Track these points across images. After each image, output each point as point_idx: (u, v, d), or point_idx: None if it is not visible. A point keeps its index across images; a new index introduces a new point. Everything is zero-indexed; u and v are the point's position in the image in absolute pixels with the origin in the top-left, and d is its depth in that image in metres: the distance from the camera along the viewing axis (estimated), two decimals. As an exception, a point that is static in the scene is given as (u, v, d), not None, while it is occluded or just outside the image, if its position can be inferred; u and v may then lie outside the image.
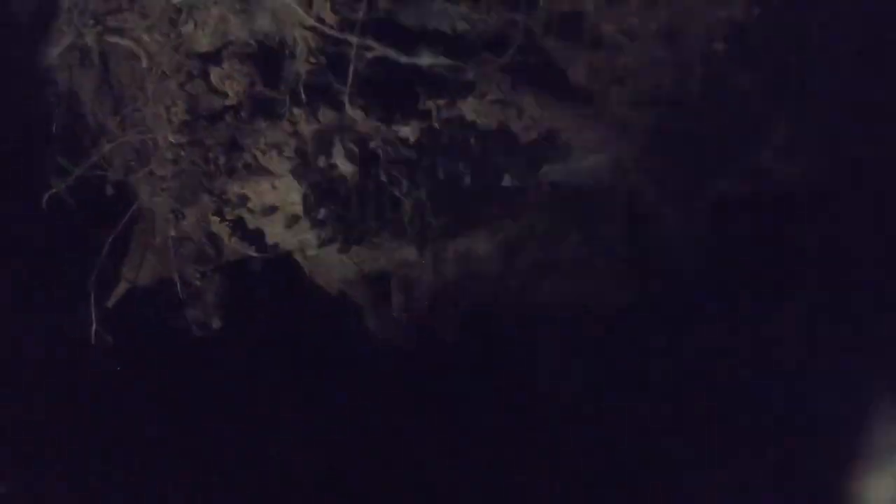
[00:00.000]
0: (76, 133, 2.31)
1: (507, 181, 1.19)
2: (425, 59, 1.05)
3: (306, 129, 1.17)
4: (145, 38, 1.64)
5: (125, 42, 1.57)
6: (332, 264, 1.68)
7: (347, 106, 1.06)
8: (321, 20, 1.04)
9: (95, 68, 2.31)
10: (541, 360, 1.86)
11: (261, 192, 1.40)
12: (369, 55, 1.07)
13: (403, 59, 1.04)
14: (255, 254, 1.60)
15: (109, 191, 2.02)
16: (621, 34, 1.03)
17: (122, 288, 2.25)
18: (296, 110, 1.15)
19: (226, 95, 1.40)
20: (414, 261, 1.37)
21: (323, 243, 1.30)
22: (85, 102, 2.27)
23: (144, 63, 1.57)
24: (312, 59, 1.10)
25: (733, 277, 1.44)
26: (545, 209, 1.26)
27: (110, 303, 1.85)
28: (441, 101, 1.15)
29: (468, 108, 1.11)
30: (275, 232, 1.54)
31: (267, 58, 1.34)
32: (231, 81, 1.36)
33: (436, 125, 1.15)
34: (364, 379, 2.27)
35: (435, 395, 2.17)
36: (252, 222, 1.52)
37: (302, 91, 1.13)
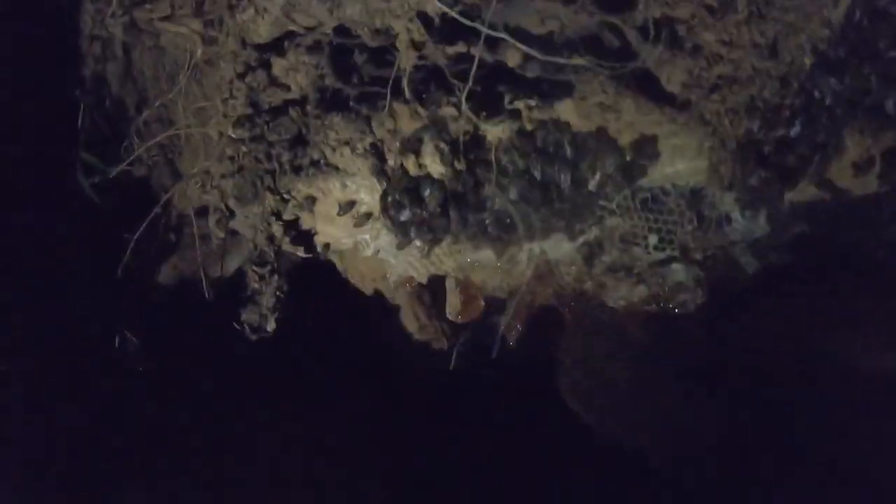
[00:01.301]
0: (102, 128, 2.22)
1: (592, 185, 1.23)
2: (576, 60, 1.05)
3: (409, 125, 1.17)
4: (194, 25, 1.60)
5: (175, 29, 1.52)
6: (381, 266, 1.68)
7: (464, 105, 1.07)
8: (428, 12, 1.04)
9: (119, 60, 2.22)
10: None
11: (329, 190, 1.39)
12: (487, 56, 1.08)
13: (542, 57, 1.05)
14: (303, 255, 1.59)
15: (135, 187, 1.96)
16: (721, 44, 1.08)
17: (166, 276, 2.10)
18: (397, 105, 1.14)
19: (288, 88, 1.38)
20: (486, 263, 1.39)
21: (401, 246, 1.30)
22: (111, 95, 2.19)
23: (199, 53, 1.53)
24: (418, 53, 1.10)
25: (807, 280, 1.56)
26: (626, 212, 1.31)
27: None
28: (532, 102, 1.18)
29: (566, 110, 1.14)
30: (329, 232, 1.54)
31: (337, 49, 1.33)
32: (296, 74, 1.35)
33: (528, 126, 1.17)
34: (397, 379, 2.28)
35: (467, 401, 2.21)
36: (309, 222, 1.51)
37: (406, 87, 1.12)
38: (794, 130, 1.15)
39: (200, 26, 1.53)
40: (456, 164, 1.17)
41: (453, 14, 1.05)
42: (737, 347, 1.79)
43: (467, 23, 1.06)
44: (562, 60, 1.05)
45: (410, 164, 1.18)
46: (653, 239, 1.34)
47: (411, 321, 2.05)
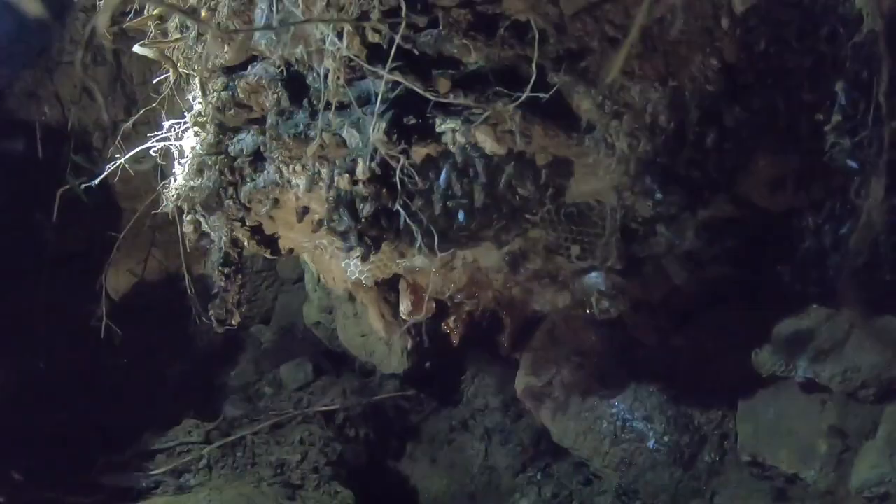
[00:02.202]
0: (90, 131, 2.46)
1: (516, 201, 1.37)
2: (451, 98, 1.21)
3: (335, 152, 1.34)
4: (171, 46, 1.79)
5: (151, 52, 1.72)
6: (341, 268, 1.86)
7: (373, 131, 1.23)
8: (353, 54, 1.20)
9: (109, 65, 2.46)
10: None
11: (286, 201, 1.57)
12: (392, 87, 1.24)
13: (431, 97, 1.20)
14: (269, 256, 1.78)
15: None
16: (622, 74, 1.20)
17: (128, 281, 2.42)
18: (325, 135, 1.31)
19: (251, 109, 1.56)
20: (425, 268, 1.55)
21: (343, 250, 1.47)
22: (98, 100, 2.42)
23: (172, 76, 1.72)
24: (342, 89, 1.26)
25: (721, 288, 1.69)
26: (548, 225, 1.44)
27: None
28: (456, 126, 1.32)
29: (481, 135, 1.28)
30: (291, 237, 1.72)
31: (292, 78, 1.50)
32: (257, 96, 1.52)
33: (451, 148, 1.32)
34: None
35: (432, 394, 2.40)
36: (271, 228, 1.69)
37: (331, 118, 1.29)
38: (698, 154, 1.26)
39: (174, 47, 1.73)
40: (385, 181, 1.33)
41: (357, 62, 1.20)
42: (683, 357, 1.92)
43: (370, 68, 1.21)
44: (455, 100, 1.20)
45: (344, 183, 1.35)
46: (575, 250, 1.47)
47: (377, 319, 2.23)
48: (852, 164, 1.30)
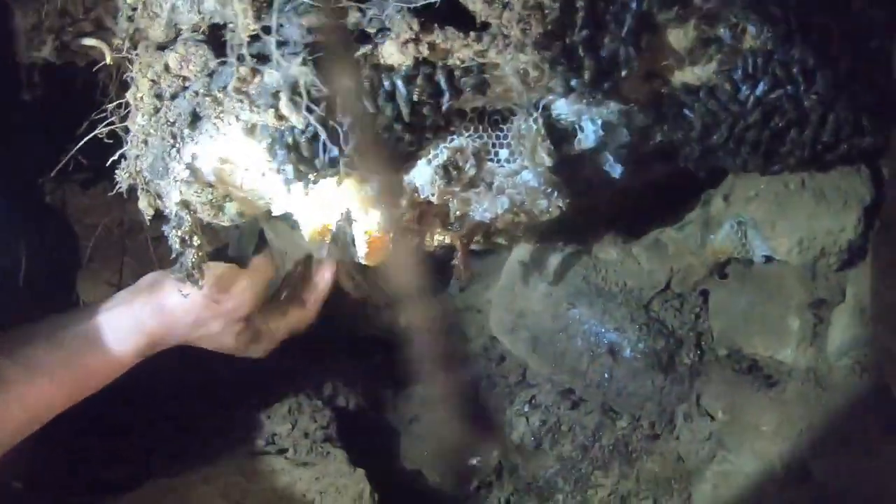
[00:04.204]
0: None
1: (438, 115, 1.52)
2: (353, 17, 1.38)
3: (253, 86, 1.51)
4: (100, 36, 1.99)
5: (92, 43, 1.91)
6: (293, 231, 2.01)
7: (280, 61, 1.40)
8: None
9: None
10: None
11: (226, 155, 1.73)
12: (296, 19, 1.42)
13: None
14: (227, 223, 1.93)
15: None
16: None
17: (106, 291, 2.60)
18: (242, 70, 1.48)
19: (185, 78, 1.74)
20: (369, 197, 1.70)
21: (288, 186, 1.63)
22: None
23: (108, 59, 1.91)
24: (252, 27, 1.44)
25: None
26: (473, 132, 1.59)
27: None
28: (367, 49, 1.48)
29: (389, 52, 1.44)
30: (242, 195, 1.87)
31: (214, 36, 1.68)
32: (188, 63, 1.70)
33: (365, 73, 1.48)
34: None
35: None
36: (221, 189, 1.85)
37: (246, 55, 1.46)
38: (584, 34, 1.40)
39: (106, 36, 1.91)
40: (309, 111, 1.49)
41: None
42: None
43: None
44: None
45: (270, 118, 1.51)
46: (503, 153, 1.61)
47: (346, 280, 2.37)
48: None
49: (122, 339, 1.71)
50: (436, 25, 1.40)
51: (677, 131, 1.66)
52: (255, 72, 1.46)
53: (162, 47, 1.78)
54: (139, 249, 2.76)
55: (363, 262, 1.95)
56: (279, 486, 2.09)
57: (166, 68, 1.75)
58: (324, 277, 1.93)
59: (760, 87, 1.54)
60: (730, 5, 1.45)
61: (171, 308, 1.72)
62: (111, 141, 1.91)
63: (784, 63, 1.51)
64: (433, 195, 1.62)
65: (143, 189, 1.91)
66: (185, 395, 2.44)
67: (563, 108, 1.60)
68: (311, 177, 1.60)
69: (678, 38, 1.52)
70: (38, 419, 1.80)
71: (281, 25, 1.46)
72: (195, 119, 1.73)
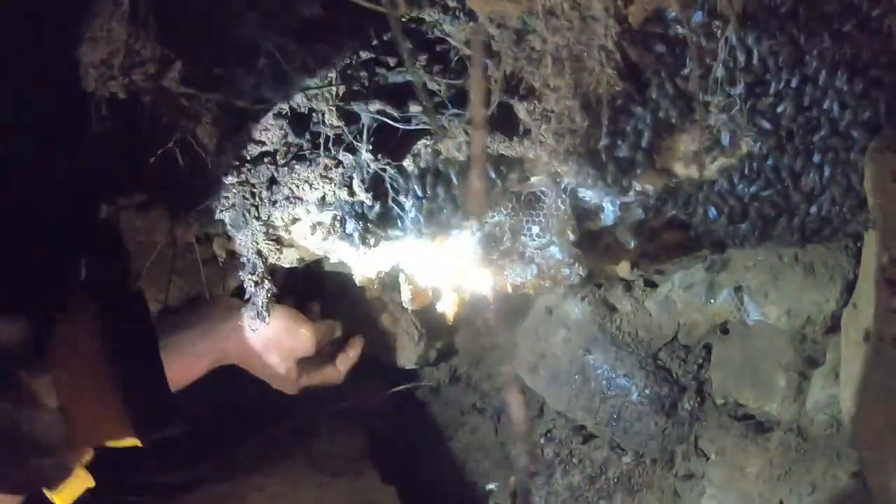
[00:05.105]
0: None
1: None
2: (413, 123, 1.74)
3: (334, 172, 1.87)
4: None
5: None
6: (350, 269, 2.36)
7: (363, 152, 1.76)
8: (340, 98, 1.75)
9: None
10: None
11: (297, 215, 2.09)
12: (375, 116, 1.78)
13: (401, 127, 1.75)
14: (287, 265, 2.29)
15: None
16: (544, 87, 1.70)
17: (154, 308, 2.96)
18: (325, 158, 1.84)
19: (263, 143, 2.10)
20: (421, 257, 2.05)
21: (355, 246, 1.99)
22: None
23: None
24: (335, 123, 1.80)
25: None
26: (510, 211, 1.94)
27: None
28: (428, 142, 1.84)
29: (444, 147, 1.80)
30: (304, 245, 2.23)
31: (295, 117, 2.04)
32: (268, 133, 2.07)
33: (422, 163, 1.84)
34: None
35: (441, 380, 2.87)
36: (287, 240, 2.21)
37: (330, 145, 1.83)
38: (616, 139, 1.75)
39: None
40: (374, 192, 1.86)
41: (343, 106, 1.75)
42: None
43: (352, 108, 1.76)
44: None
45: (344, 195, 1.88)
46: (535, 229, 1.95)
47: (387, 317, 2.74)
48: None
49: (204, 350, 2.01)
50: (486, 130, 1.75)
51: (684, 215, 1.99)
52: (337, 162, 1.83)
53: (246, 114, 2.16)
54: (188, 270, 3.11)
55: (406, 305, 2.31)
56: (321, 498, 2.43)
57: (248, 134, 2.13)
58: (355, 349, 2.35)
59: (755, 187, 1.87)
60: (731, 120, 1.79)
61: (248, 334, 2.08)
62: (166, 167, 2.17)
63: (775, 168, 1.84)
64: (473, 261, 1.97)
65: (219, 238, 2.28)
66: (234, 413, 2.78)
67: (587, 192, 1.94)
68: (372, 241, 1.96)
69: (687, 142, 1.86)
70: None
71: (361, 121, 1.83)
72: (272, 183, 2.10)
